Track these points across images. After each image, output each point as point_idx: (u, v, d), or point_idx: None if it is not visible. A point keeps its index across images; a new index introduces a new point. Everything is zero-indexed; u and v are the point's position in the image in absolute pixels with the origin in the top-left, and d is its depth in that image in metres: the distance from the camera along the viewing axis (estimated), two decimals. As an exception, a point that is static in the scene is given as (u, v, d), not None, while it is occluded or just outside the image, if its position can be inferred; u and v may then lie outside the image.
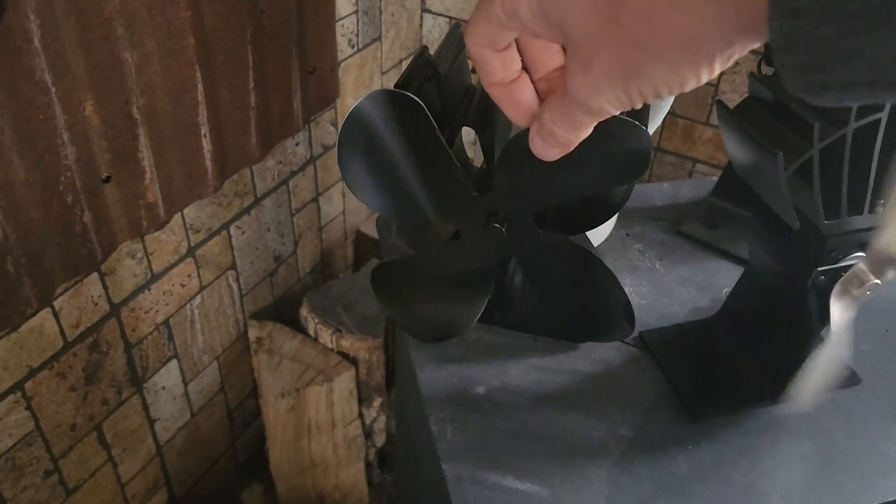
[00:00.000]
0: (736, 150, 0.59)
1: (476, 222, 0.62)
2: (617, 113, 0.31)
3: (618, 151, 0.53)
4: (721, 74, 1.46)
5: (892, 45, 0.20)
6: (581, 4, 0.27)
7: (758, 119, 0.56)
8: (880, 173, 0.54)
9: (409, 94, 0.54)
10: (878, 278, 0.57)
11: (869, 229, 0.57)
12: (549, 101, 0.34)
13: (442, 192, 0.61)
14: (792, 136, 0.54)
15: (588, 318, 0.71)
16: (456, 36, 0.66)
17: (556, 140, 0.35)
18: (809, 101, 0.23)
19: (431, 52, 0.66)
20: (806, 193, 0.54)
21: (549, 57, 0.34)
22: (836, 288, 0.59)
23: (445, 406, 0.69)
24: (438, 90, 0.64)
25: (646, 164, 0.53)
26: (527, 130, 0.55)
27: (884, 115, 0.51)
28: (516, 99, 0.35)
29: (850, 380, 0.72)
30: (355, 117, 0.56)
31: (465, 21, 1.62)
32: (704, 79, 0.27)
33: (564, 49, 0.35)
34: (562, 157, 0.54)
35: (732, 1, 0.23)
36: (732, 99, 1.46)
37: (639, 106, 0.30)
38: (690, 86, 0.27)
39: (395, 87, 0.63)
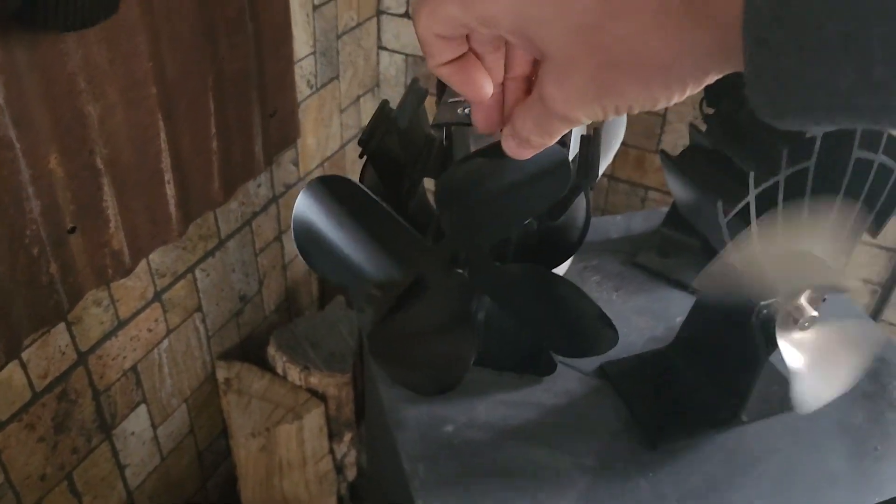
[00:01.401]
0: (680, 193, 0.63)
1: (440, 271, 0.64)
2: (589, 122, 0.32)
3: (539, 168, 0.55)
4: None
5: (847, 75, 0.22)
6: (562, 27, 0.28)
7: (698, 166, 0.60)
8: (811, 214, 0.58)
9: (340, 176, 0.59)
10: (816, 311, 0.61)
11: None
12: (519, 109, 0.34)
13: (400, 251, 0.64)
14: (729, 182, 0.58)
15: (571, 336, 0.72)
16: (415, 91, 0.69)
17: (531, 144, 0.35)
18: (774, 124, 0.25)
19: (390, 97, 0.69)
20: (745, 235, 0.59)
21: (518, 65, 0.35)
22: (779, 319, 0.63)
23: (417, 445, 0.71)
24: (400, 142, 0.67)
25: (567, 174, 0.55)
26: (454, 171, 0.58)
27: (811, 163, 0.55)
28: (469, 77, 0.34)
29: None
30: (299, 214, 0.61)
31: (420, 58, 1.66)
32: (675, 100, 0.29)
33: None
34: (490, 188, 0.57)
35: (708, 31, 0.25)
36: (679, 128, 1.52)
37: (611, 118, 0.32)
38: (660, 105, 0.29)
39: (358, 142, 0.66)
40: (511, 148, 0.36)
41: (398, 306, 0.69)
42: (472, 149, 0.74)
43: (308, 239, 0.61)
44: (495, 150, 0.58)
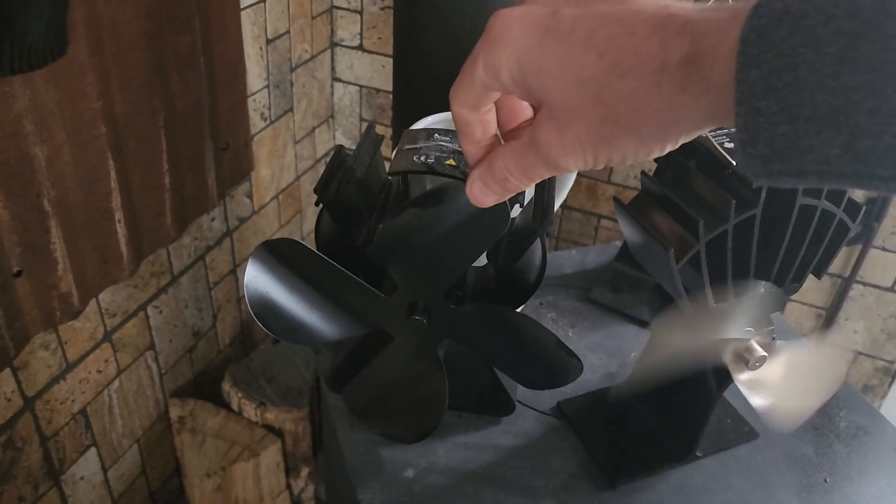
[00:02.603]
0: (633, 239, 0.64)
1: (399, 321, 0.64)
2: (577, 171, 0.33)
3: (476, 209, 0.56)
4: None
5: (835, 145, 0.23)
6: (565, 81, 0.29)
7: (650, 213, 0.61)
8: (759, 260, 0.60)
9: (285, 239, 0.59)
10: (767, 352, 0.63)
11: (752, 308, 0.63)
12: (503, 150, 0.35)
13: (356, 307, 0.64)
14: (680, 229, 0.59)
15: (537, 368, 0.71)
16: (371, 138, 0.70)
17: (505, 187, 0.36)
18: (767, 184, 0.26)
19: (344, 127, 0.69)
20: (696, 280, 0.60)
21: (521, 111, 0.37)
22: (730, 362, 0.65)
23: (377, 491, 0.70)
24: (358, 190, 0.67)
25: (505, 211, 0.55)
26: (390, 226, 0.59)
27: (758, 211, 0.57)
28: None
29: (749, 435, 0.78)
30: (250, 282, 0.60)
31: (374, 89, 1.66)
32: (666, 151, 0.30)
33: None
34: (430, 236, 0.57)
35: (705, 94, 0.26)
36: (630, 159, 1.55)
37: (601, 168, 0.33)
38: (652, 156, 0.30)
39: (314, 190, 0.66)
40: (475, 191, 0.37)
41: (364, 360, 0.69)
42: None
43: (262, 306, 0.61)
44: (427, 200, 0.59)
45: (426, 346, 0.68)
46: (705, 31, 0.26)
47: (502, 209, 0.55)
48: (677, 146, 0.30)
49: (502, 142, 0.37)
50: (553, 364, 0.68)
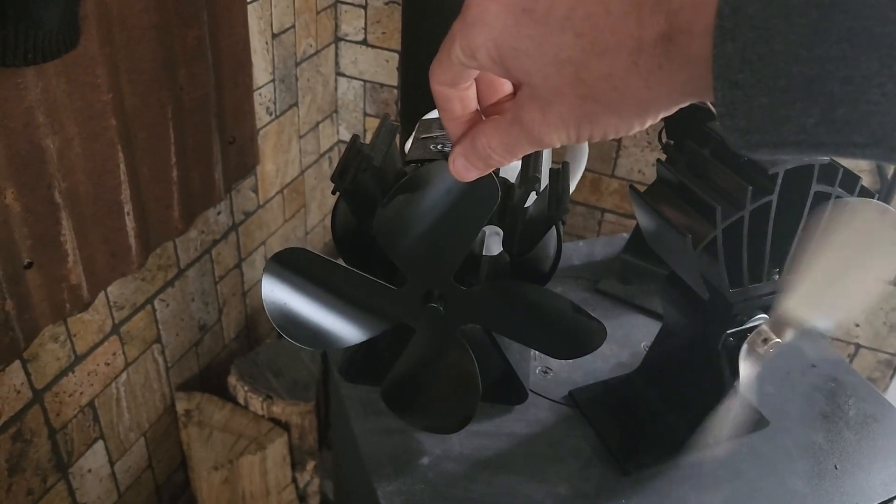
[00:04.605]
0: (648, 227, 0.65)
1: (416, 311, 0.65)
2: (557, 146, 0.34)
3: (465, 186, 0.56)
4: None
5: (811, 114, 0.24)
6: (543, 62, 0.30)
7: (666, 201, 0.62)
8: (774, 247, 0.61)
9: (293, 248, 0.60)
10: (780, 337, 0.63)
11: (768, 294, 0.64)
12: (486, 127, 0.35)
13: (373, 305, 0.64)
14: (697, 216, 0.60)
15: (562, 337, 0.70)
16: (387, 127, 0.70)
17: (488, 163, 0.36)
18: (748, 155, 0.27)
19: (348, 122, 0.70)
20: (712, 267, 0.61)
21: (500, 85, 0.37)
22: (744, 347, 0.65)
23: (392, 479, 0.71)
24: (375, 179, 0.67)
25: (493, 185, 0.55)
26: (382, 216, 0.59)
27: (774, 198, 0.58)
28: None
29: (759, 423, 0.79)
30: (267, 296, 0.61)
31: (378, 84, 1.67)
32: (647, 125, 0.31)
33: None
34: (425, 221, 0.57)
35: (683, 71, 0.27)
36: (634, 153, 1.56)
37: (583, 142, 0.33)
38: (634, 131, 0.31)
39: (331, 177, 0.67)
40: (458, 167, 0.38)
41: (377, 348, 0.69)
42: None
43: (284, 318, 0.61)
44: (413, 184, 0.59)
45: (448, 332, 0.68)
46: (679, 7, 0.26)
47: (489, 181, 0.55)
48: (658, 119, 0.31)
49: (483, 117, 0.38)
50: (575, 330, 0.67)
